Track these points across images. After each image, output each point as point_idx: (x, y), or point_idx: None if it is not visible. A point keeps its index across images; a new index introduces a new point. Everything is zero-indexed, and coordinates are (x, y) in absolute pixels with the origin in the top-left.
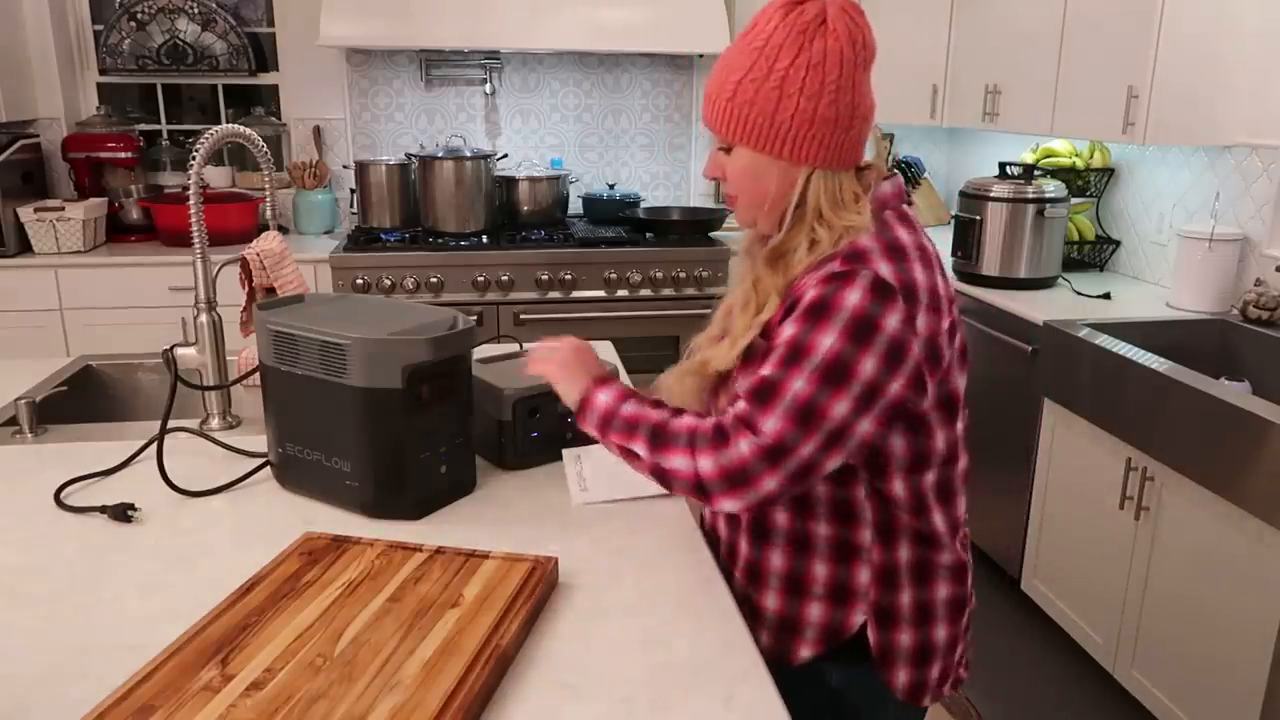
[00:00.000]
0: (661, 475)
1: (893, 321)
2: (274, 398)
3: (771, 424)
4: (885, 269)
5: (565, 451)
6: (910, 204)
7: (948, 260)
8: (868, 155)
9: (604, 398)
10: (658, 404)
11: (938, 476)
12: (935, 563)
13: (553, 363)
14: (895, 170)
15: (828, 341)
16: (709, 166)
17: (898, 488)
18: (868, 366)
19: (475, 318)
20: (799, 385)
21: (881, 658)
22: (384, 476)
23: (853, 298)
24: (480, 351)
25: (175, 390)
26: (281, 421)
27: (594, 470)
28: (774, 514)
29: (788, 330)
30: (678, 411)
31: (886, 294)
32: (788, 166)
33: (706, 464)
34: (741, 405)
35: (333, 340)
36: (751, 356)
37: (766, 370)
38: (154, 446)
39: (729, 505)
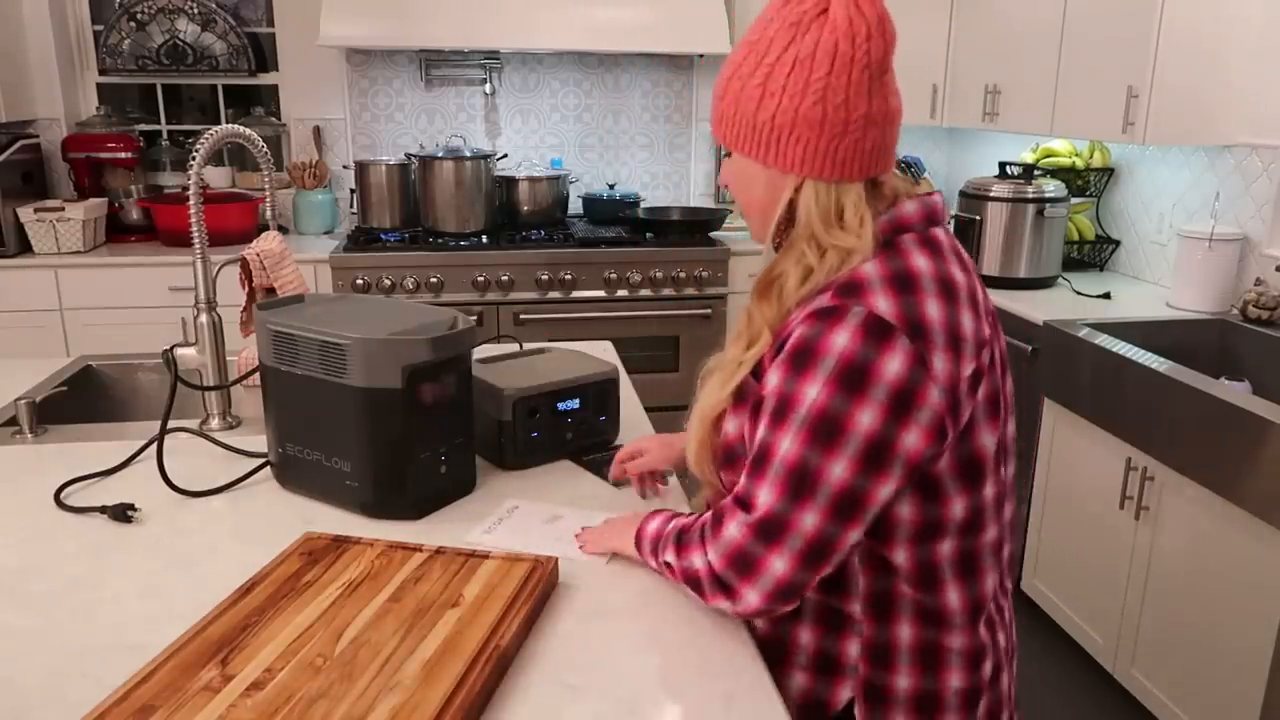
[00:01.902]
0: (690, 579)
1: (893, 366)
2: (274, 398)
3: (764, 495)
4: (884, 303)
5: (508, 501)
6: (945, 227)
7: None
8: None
9: (652, 525)
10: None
11: (957, 547)
12: (944, 646)
13: (605, 532)
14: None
15: (813, 392)
16: (722, 172)
17: (900, 557)
18: (864, 420)
19: (475, 318)
20: (786, 446)
21: None
22: (384, 476)
23: (840, 340)
24: (480, 351)
25: (175, 390)
26: (281, 421)
27: (509, 525)
28: None
29: (772, 379)
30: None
31: (883, 334)
32: (775, 174)
33: (713, 554)
34: (741, 479)
35: (333, 340)
36: (743, 398)
37: (760, 431)
38: (154, 446)
39: (753, 599)
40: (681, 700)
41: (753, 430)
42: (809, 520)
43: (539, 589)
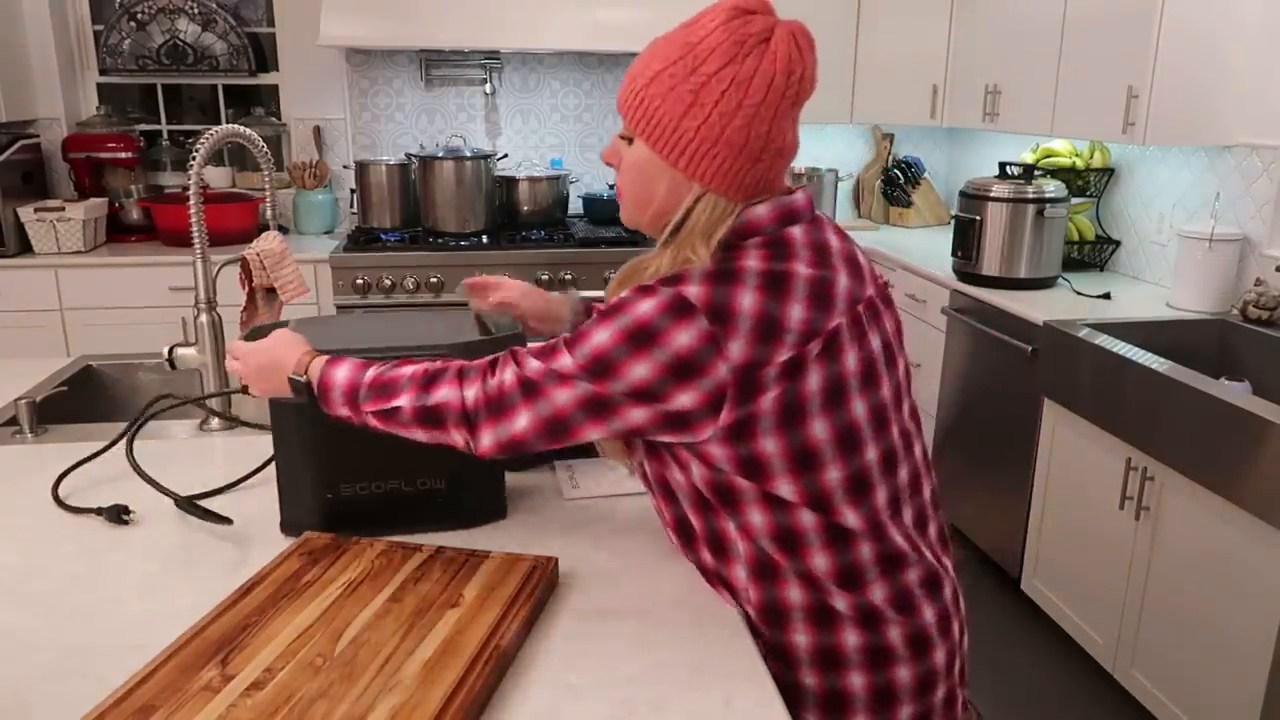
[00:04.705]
0: (430, 413)
1: (682, 338)
2: (328, 436)
3: (535, 365)
4: (695, 290)
5: (557, 463)
6: (807, 221)
7: (945, 260)
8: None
9: (341, 373)
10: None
11: (817, 521)
12: (832, 607)
13: (248, 371)
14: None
15: (600, 337)
16: (608, 150)
17: (757, 522)
18: (637, 372)
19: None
20: (565, 360)
21: (788, 698)
22: (484, 484)
23: (642, 307)
24: None
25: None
26: (337, 462)
27: (584, 472)
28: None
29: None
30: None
31: (682, 311)
32: (681, 179)
33: (471, 391)
34: (521, 350)
35: (429, 351)
36: None
37: (560, 340)
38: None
39: (487, 440)
40: (681, 700)
41: None
42: (562, 398)
43: (539, 589)
